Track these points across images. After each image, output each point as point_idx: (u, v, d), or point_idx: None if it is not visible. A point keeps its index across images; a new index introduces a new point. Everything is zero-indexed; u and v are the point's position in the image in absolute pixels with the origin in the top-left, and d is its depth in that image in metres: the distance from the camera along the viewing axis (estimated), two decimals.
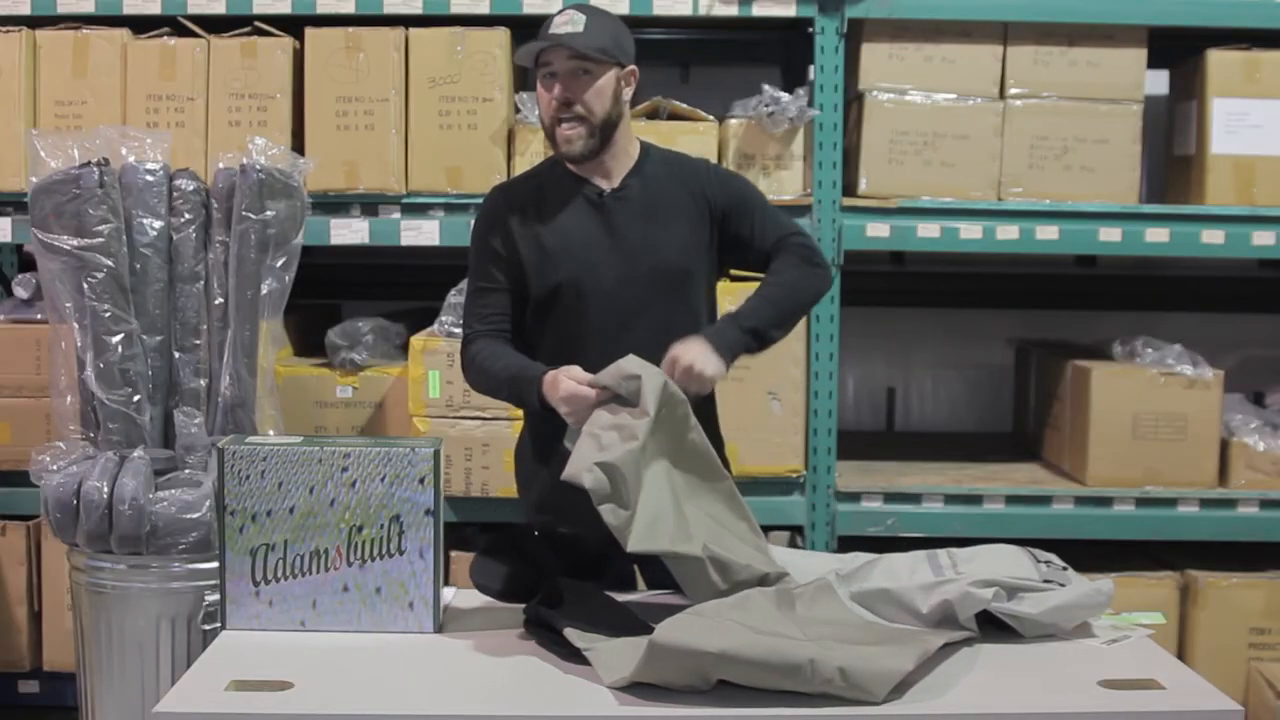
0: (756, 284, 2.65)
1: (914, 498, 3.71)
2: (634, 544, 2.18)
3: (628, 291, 2.54)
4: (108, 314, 2.91)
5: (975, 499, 3.72)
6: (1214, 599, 3.71)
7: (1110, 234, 3.70)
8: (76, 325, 2.94)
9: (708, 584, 2.22)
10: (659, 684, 1.94)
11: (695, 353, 2.40)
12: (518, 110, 3.65)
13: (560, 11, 2.52)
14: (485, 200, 2.69)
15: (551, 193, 2.59)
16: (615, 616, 2.20)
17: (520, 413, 2.76)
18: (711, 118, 3.68)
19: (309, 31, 3.62)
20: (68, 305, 2.94)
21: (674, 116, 3.71)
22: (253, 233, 2.97)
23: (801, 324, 3.55)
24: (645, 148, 2.64)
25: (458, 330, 3.46)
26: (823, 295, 2.71)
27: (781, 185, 3.65)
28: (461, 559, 3.69)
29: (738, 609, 2.10)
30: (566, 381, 2.35)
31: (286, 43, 3.64)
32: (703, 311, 2.62)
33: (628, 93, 2.58)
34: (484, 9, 3.60)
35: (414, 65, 3.61)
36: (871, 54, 3.70)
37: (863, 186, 3.70)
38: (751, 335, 2.51)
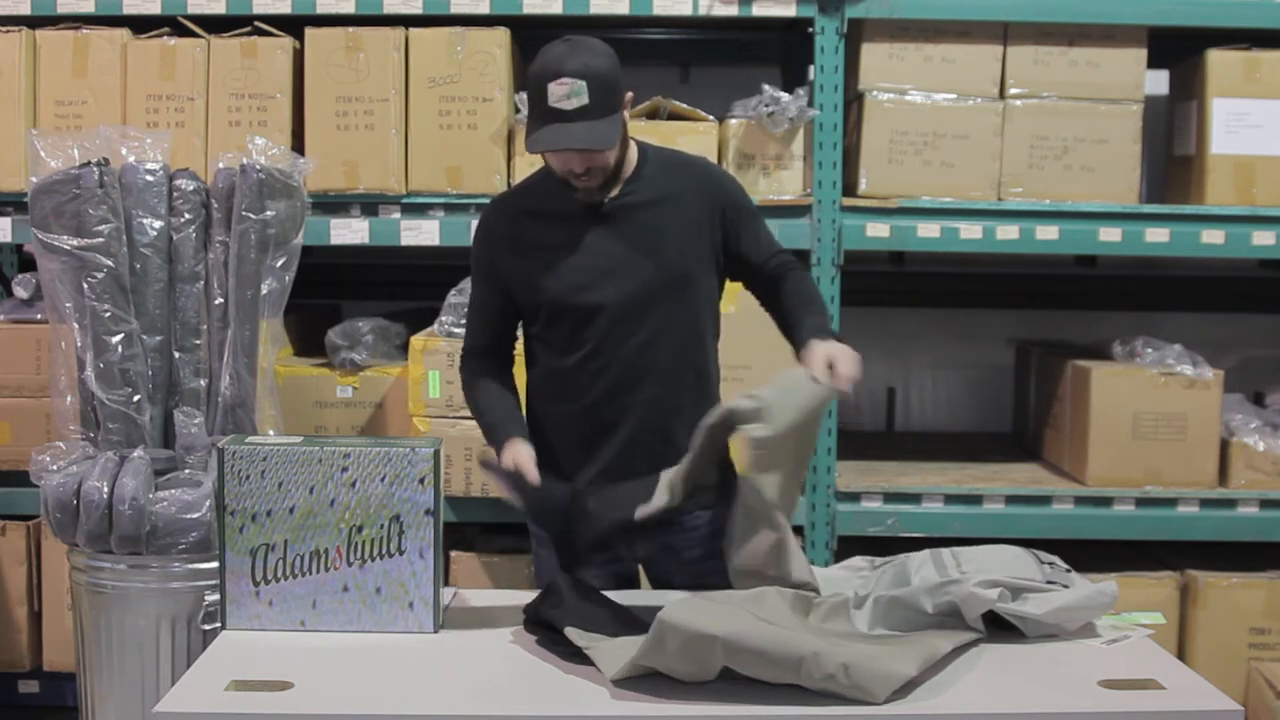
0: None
1: (914, 498, 3.71)
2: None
3: (629, 299, 2.51)
4: (108, 314, 2.91)
5: (975, 499, 3.72)
6: (1214, 599, 3.71)
7: (1110, 234, 3.70)
8: (76, 325, 2.94)
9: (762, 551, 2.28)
10: (661, 670, 1.94)
11: (848, 358, 2.40)
12: (518, 110, 3.65)
13: (556, 78, 2.34)
14: (482, 214, 2.67)
15: (550, 204, 2.56)
16: (616, 617, 2.20)
17: (521, 413, 2.75)
18: (711, 118, 3.68)
19: (309, 31, 3.62)
20: (68, 305, 2.94)
21: (674, 116, 3.71)
22: (253, 233, 2.97)
23: None
24: (643, 150, 2.59)
25: (458, 330, 3.47)
26: None
27: (781, 185, 3.65)
28: (461, 559, 3.70)
29: (751, 601, 2.10)
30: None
31: (286, 43, 3.64)
32: (705, 315, 2.60)
33: (628, 115, 2.51)
34: (484, 9, 3.60)
35: (414, 65, 3.61)
36: (871, 54, 3.70)
37: (863, 186, 3.70)
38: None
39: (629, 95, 2.48)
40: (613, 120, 2.40)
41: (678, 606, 1.98)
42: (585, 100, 2.35)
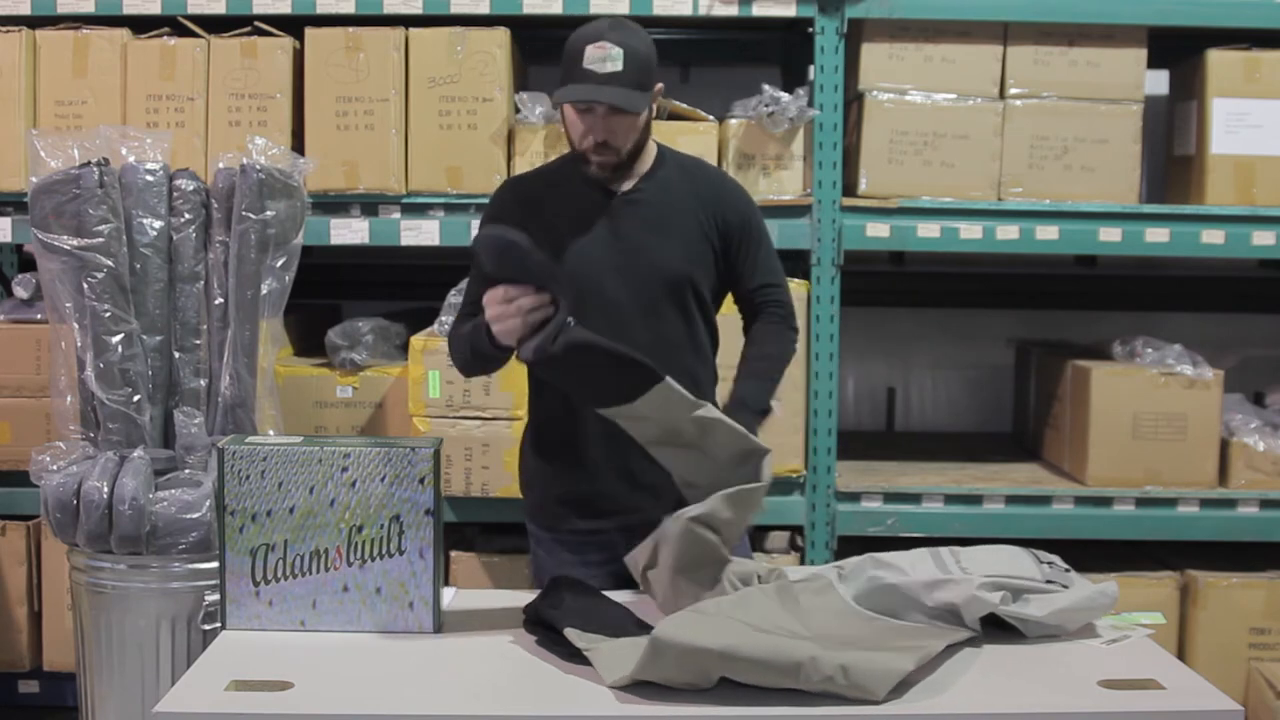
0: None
1: (914, 498, 3.72)
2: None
3: (626, 297, 2.51)
4: (108, 314, 2.91)
5: (975, 499, 3.73)
6: (1214, 599, 3.71)
7: (1110, 234, 3.70)
8: (76, 325, 2.94)
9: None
10: (660, 682, 1.94)
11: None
12: (518, 110, 3.65)
13: (595, 41, 2.39)
14: (493, 195, 2.68)
15: (561, 191, 2.57)
16: (615, 617, 2.20)
17: (521, 412, 2.75)
18: (711, 118, 3.68)
19: (309, 31, 3.62)
20: (68, 305, 2.94)
21: (674, 116, 3.71)
22: (253, 233, 2.97)
23: (802, 323, 3.57)
24: (661, 150, 2.60)
25: None
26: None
27: (781, 185, 3.65)
28: (461, 559, 3.70)
29: (739, 607, 2.10)
30: (487, 303, 2.26)
31: (286, 43, 3.64)
32: (700, 321, 2.60)
33: (655, 108, 2.53)
34: (484, 9, 3.60)
35: (414, 65, 3.61)
36: (871, 54, 3.70)
37: (863, 186, 3.70)
38: (762, 416, 2.53)
39: (660, 86, 2.51)
40: (642, 95, 2.42)
41: (670, 623, 1.98)
42: (619, 67, 2.38)
